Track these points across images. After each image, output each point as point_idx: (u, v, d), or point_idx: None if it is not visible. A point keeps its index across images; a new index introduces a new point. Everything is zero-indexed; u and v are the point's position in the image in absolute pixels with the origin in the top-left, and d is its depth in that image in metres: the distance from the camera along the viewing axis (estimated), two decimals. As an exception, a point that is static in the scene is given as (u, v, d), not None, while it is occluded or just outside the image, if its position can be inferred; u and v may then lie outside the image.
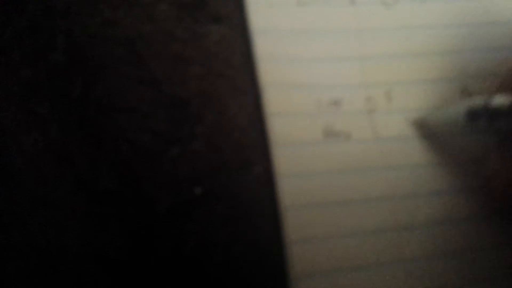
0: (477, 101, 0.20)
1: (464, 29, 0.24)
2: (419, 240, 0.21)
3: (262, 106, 0.22)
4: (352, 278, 0.20)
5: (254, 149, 0.21)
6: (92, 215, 0.20)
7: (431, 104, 0.22)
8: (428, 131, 0.22)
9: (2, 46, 0.21)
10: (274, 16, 0.23)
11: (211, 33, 0.22)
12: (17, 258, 0.19)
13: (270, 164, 0.21)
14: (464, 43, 0.23)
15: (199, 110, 0.21)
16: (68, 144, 0.20)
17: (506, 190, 0.20)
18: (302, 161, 0.21)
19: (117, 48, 0.21)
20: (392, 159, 0.22)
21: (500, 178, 0.20)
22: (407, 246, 0.21)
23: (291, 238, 0.20)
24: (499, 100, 0.19)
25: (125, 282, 0.19)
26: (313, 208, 0.20)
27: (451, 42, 0.23)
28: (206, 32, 0.22)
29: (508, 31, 0.23)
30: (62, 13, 0.21)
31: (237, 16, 0.23)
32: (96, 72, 0.21)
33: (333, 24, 0.23)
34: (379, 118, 0.22)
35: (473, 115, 0.20)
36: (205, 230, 0.20)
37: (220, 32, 0.23)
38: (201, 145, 0.21)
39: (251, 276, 0.20)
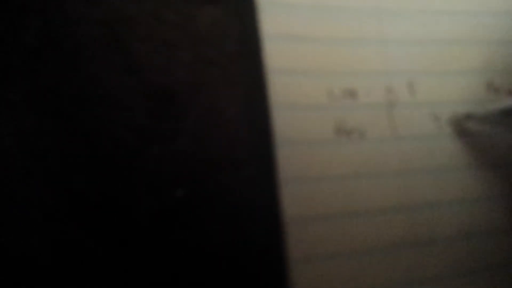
0: None
1: (493, 18, 0.21)
2: (440, 257, 0.18)
3: (260, 98, 0.19)
4: None
5: (246, 147, 0.19)
6: (62, 216, 0.18)
7: (457, 99, 0.20)
8: (467, 130, 0.20)
9: (-32, 26, 0.19)
10: None
11: (202, 15, 0.20)
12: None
13: (265, 164, 0.19)
14: (492, 33, 0.21)
15: (185, 102, 0.19)
16: (41, 136, 0.18)
17: None
18: (309, 163, 0.18)
19: (96, 31, 0.19)
20: (414, 162, 0.19)
21: None
22: (427, 264, 0.18)
23: (294, 256, 0.18)
24: None
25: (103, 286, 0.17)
26: (320, 220, 0.18)
27: (479, 31, 0.21)
28: (197, 14, 0.20)
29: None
30: (34, -10, 0.19)
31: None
32: (72, 57, 0.19)
33: (351, 1, 0.20)
34: (400, 113, 0.19)
35: None
36: (187, 236, 0.18)
37: (213, 14, 0.20)
38: (185, 142, 0.19)
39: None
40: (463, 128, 0.20)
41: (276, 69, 0.19)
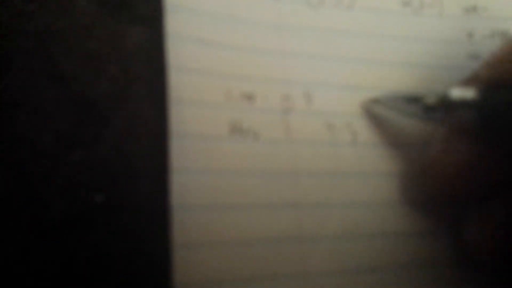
0: (435, 92, 0.20)
1: (387, 41, 0.23)
2: (324, 253, 0.20)
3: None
4: None
5: (168, 157, 0.20)
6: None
7: (351, 111, 0.22)
8: (377, 112, 0.22)
9: None
10: None
11: (131, 34, 0.21)
12: None
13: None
14: (384, 54, 0.23)
15: (109, 113, 0.20)
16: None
17: (444, 177, 0.20)
18: (202, 156, 0.20)
19: (25, 41, 0.20)
20: (303, 164, 0.21)
21: (441, 164, 0.20)
22: (311, 259, 0.20)
23: (178, 242, 0.19)
24: (457, 92, 0.19)
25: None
26: (209, 209, 0.19)
27: (372, 51, 0.23)
28: (126, 32, 0.21)
29: (430, 48, 0.23)
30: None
31: (161, 19, 0.21)
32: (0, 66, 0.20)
33: (254, 14, 0.22)
34: (296, 119, 0.21)
35: (429, 104, 0.20)
36: (104, 242, 0.18)
37: (142, 33, 0.21)
38: (107, 149, 0.19)
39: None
40: (371, 111, 0.22)
41: (178, 67, 0.21)
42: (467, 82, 0.20)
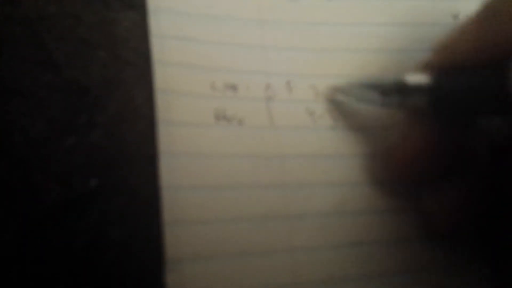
0: (392, 77, 0.20)
1: (367, 28, 0.24)
2: (310, 229, 0.21)
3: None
4: (235, 265, 0.20)
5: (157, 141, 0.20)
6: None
7: (329, 97, 0.23)
8: (340, 99, 0.22)
9: None
10: None
11: (121, 19, 0.21)
12: None
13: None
14: (366, 42, 0.24)
15: (101, 98, 0.20)
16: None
17: (403, 161, 0.21)
18: (189, 141, 0.20)
19: (16, 28, 0.20)
20: (287, 148, 0.21)
21: (402, 148, 0.21)
22: (297, 234, 0.20)
23: (169, 221, 0.19)
24: (412, 78, 0.20)
25: (10, 278, 0.18)
26: (198, 190, 0.20)
27: (353, 40, 0.23)
28: (116, 18, 0.21)
29: (414, 32, 0.23)
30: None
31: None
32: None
33: (236, 11, 0.23)
34: (278, 107, 0.22)
35: (386, 90, 0.20)
36: (99, 226, 0.19)
37: (132, 19, 0.22)
38: (100, 135, 0.20)
39: (148, 278, 0.19)
40: (333, 98, 0.22)
41: (164, 62, 0.21)
42: (421, 67, 0.20)
